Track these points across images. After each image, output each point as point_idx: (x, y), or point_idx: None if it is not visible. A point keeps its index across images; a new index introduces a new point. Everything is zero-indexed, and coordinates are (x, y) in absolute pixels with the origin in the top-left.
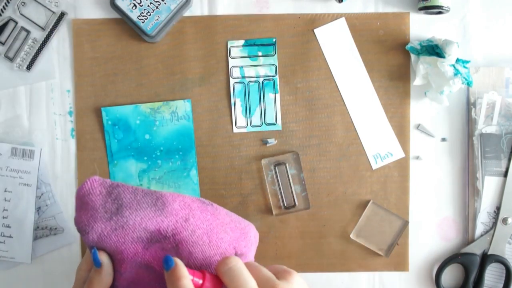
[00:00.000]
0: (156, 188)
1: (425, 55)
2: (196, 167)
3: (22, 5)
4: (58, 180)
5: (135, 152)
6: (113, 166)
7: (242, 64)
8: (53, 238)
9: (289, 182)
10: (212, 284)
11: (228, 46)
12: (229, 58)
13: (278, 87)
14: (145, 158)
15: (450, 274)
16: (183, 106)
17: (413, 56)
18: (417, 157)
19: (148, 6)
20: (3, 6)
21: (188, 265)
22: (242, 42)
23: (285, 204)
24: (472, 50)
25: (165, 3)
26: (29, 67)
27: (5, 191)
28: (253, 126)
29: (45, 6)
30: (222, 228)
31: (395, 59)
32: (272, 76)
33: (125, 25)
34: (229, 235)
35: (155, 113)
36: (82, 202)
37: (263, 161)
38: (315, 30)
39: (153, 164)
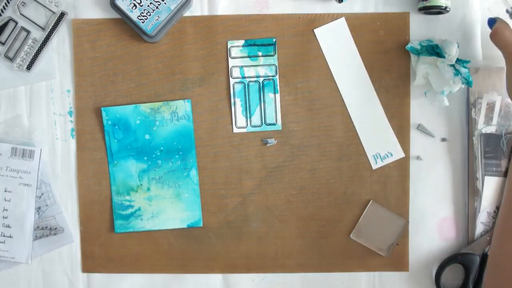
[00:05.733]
0: (156, 188)
1: (425, 55)
2: (196, 167)
3: (22, 5)
4: (58, 180)
5: (135, 152)
6: (113, 166)
7: (242, 64)
8: (53, 238)
9: None
10: None
11: (228, 46)
12: (229, 58)
13: (278, 87)
14: (145, 158)
15: (450, 274)
16: (183, 106)
17: (413, 56)
18: (417, 157)
19: (148, 6)
20: (3, 6)
21: None
22: (242, 42)
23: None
24: (472, 50)
25: (165, 3)
26: (29, 67)
27: (5, 191)
28: (253, 126)
29: (45, 6)
30: None
31: (395, 59)
32: (272, 76)
33: (125, 25)
34: None
35: (155, 113)
36: None
37: None
38: (315, 30)
39: (153, 164)
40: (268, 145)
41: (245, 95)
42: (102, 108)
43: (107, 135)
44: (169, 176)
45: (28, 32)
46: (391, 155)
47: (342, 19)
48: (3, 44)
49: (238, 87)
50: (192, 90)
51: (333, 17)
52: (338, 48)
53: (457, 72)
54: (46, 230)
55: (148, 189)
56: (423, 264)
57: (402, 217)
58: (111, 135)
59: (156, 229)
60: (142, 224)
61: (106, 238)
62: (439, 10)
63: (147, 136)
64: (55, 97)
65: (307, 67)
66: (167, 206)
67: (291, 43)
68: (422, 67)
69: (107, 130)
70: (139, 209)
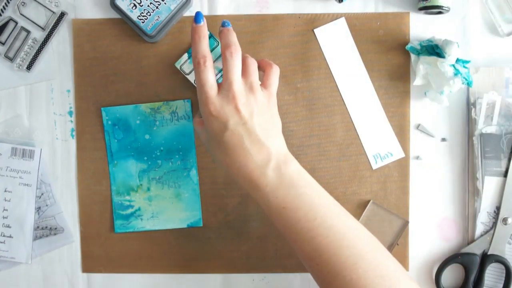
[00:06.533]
0: (156, 188)
1: (425, 55)
2: (196, 167)
3: (22, 5)
4: (58, 180)
5: (135, 152)
6: (113, 166)
7: None
8: (53, 238)
9: None
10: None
11: (179, 67)
12: (188, 78)
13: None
14: (145, 158)
15: (450, 274)
16: (183, 106)
17: (413, 56)
18: (417, 157)
19: (148, 6)
20: (3, 6)
21: None
22: (186, 55)
23: None
24: (472, 50)
25: (165, 3)
26: (29, 67)
27: (5, 191)
28: None
29: (45, 6)
30: None
31: (395, 59)
32: None
33: (125, 25)
34: None
35: (155, 113)
36: None
37: None
38: (315, 30)
39: (153, 164)
40: None
41: None
42: (102, 108)
43: (107, 135)
44: (169, 176)
45: (28, 32)
46: (391, 155)
47: (342, 19)
48: (3, 44)
49: None
50: (192, 90)
51: (333, 17)
52: (338, 48)
53: (457, 72)
54: (46, 230)
55: (148, 189)
56: (423, 264)
57: (402, 217)
58: (111, 135)
59: (156, 229)
60: (142, 224)
61: (106, 238)
62: (439, 10)
63: (147, 136)
64: (55, 97)
65: (307, 67)
66: (167, 206)
67: (291, 43)
68: (422, 67)
69: (107, 130)
70: (139, 209)
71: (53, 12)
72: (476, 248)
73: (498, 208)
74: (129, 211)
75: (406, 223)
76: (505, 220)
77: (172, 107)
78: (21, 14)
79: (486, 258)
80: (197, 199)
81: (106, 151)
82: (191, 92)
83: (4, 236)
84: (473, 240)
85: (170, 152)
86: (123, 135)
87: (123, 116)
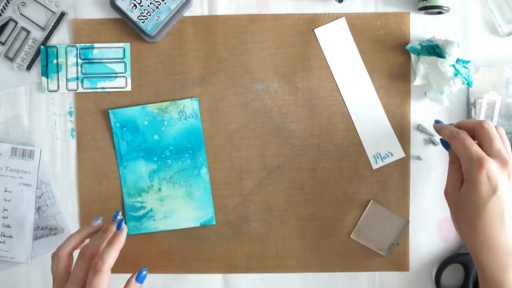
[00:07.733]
0: (167, 188)
1: (425, 55)
2: (207, 165)
3: (22, 5)
4: (58, 180)
5: (145, 153)
6: (123, 168)
7: None
8: (53, 238)
9: None
10: None
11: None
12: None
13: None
14: (155, 158)
15: (450, 274)
16: (190, 105)
17: (413, 56)
18: (417, 157)
19: (148, 6)
20: (3, 6)
21: None
22: None
23: None
24: (472, 50)
25: (165, 3)
26: (29, 67)
27: (5, 191)
28: None
29: (45, 6)
30: None
31: (395, 59)
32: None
33: (125, 25)
34: None
35: (163, 113)
36: None
37: None
38: (315, 30)
39: (163, 164)
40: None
41: None
42: (109, 111)
43: (115, 137)
44: (180, 176)
45: (28, 32)
46: (392, 155)
47: (342, 19)
48: (3, 44)
49: None
50: (192, 90)
51: (333, 17)
52: (338, 48)
53: (457, 72)
54: (46, 230)
55: (159, 189)
56: (423, 264)
57: (403, 217)
58: (120, 137)
59: (169, 229)
60: (155, 225)
61: None
62: (439, 10)
63: (155, 137)
64: (55, 97)
65: (307, 67)
66: (179, 206)
67: (291, 43)
68: (422, 67)
69: (115, 132)
70: (151, 210)
71: (53, 12)
72: None
73: None
74: (141, 212)
75: (406, 223)
76: None
77: (179, 106)
78: (21, 14)
79: None
80: (209, 197)
81: (116, 153)
82: (191, 92)
83: (4, 236)
84: None
85: (180, 152)
86: (131, 137)
87: (131, 117)
